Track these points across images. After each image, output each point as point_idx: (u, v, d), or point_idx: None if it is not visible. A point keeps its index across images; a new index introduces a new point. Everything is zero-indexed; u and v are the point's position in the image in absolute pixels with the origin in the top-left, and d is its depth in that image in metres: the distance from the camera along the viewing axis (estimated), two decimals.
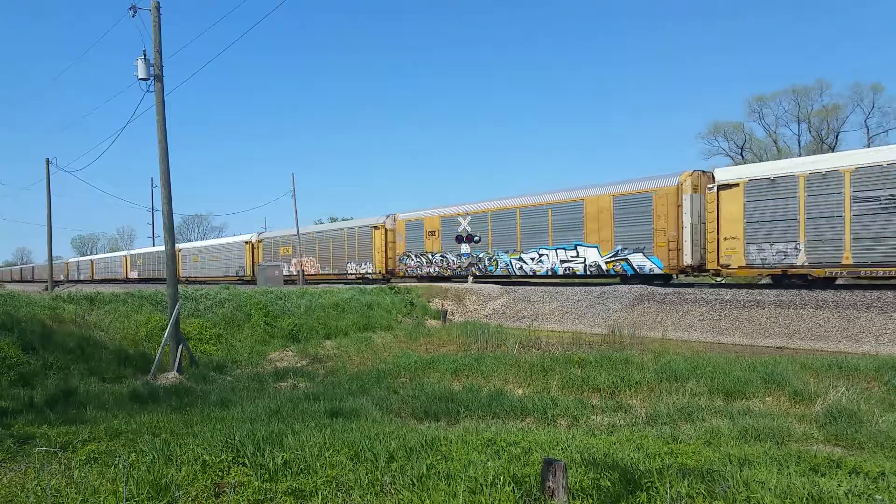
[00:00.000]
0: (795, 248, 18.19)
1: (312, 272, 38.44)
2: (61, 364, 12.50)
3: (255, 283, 37.33)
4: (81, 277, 70.86)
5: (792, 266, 18.36)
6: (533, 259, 25.92)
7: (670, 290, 21.70)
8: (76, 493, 4.60)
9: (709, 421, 7.78)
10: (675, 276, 22.74)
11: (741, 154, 54.17)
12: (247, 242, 44.16)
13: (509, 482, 4.57)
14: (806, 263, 18.11)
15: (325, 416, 8.28)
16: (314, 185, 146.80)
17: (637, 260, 22.34)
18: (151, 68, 14.14)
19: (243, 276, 43.08)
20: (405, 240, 32.17)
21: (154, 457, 5.44)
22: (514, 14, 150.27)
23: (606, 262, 23.23)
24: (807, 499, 4.38)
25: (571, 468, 4.99)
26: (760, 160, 46.97)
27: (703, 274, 22.05)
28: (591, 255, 23.62)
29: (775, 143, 53.95)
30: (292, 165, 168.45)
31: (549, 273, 25.45)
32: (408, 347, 15.87)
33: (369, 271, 34.11)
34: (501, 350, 14.62)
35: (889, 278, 17.82)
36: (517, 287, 26.88)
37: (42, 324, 14.12)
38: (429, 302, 25.72)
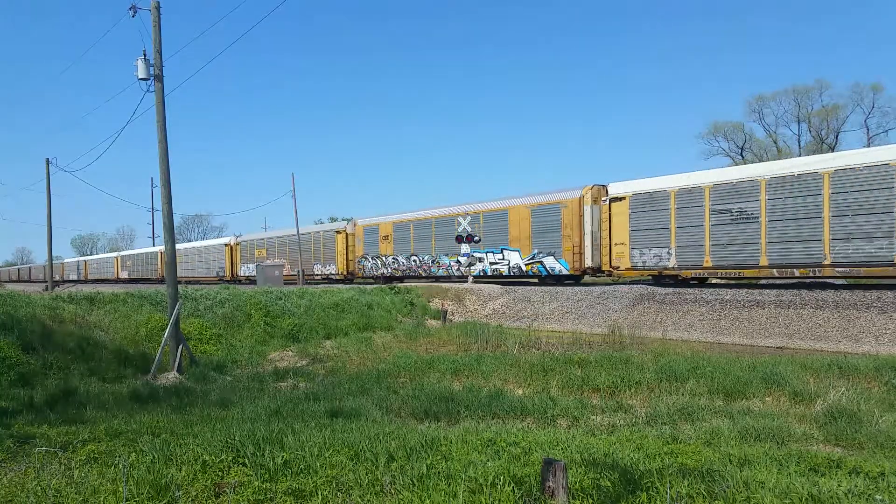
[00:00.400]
0: (668, 252, 21.50)
1: (284, 273, 41.16)
2: (61, 364, 12.50)
3: (235, 282, 42.24)
4: (75, 277, 73.73)
5: (665, 268, 21.69)
6: (467, 261, 29.16)
7: (670, 290, 21.71)
8: (76, 493, 4.60)
9: (709, 421, 7.78)
10: (581, 276, 25.75)
11: (741, 154, 54.19)
12: (226, 245, 47.66)
13: (509, 482, 4.57)
14: (676, 266, 21.34)
15: (325, 416, 8.28)
16: (314, 186, 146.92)
17: (549, 262, 25.41)
18: (151, 68, 14.14)
19: (223, 276, 46.22)
20: (363, 244, 34.94)
21: (154, 457, 5.44)
22: (514, 14, 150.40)
23: (526, 265, 26.16)
24: (807, 499, 4.39)
25: (571, 468, 4.99)
26: (761, 160, 46.99)
27: (601, 275, 25.20)
28: (514, 259, 26.56)
29: (775, 143, 53.98)
30: (292, 165, 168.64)
31: (481, 273, 28.41)
32: (408, 347, 15.87)
33: (333, 272, 37.29)
34: (501, 350, 14.63)
35: (741, 278, 21.07)
36: (517, 287, 26.92)
37: (42, 324, 14.12)
38: (429, 302, 25.73)
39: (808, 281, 19.91)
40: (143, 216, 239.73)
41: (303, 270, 38.09)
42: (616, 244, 22.81)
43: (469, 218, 28.50)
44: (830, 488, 4.57)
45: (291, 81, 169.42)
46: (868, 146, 43.92)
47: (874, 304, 16.36)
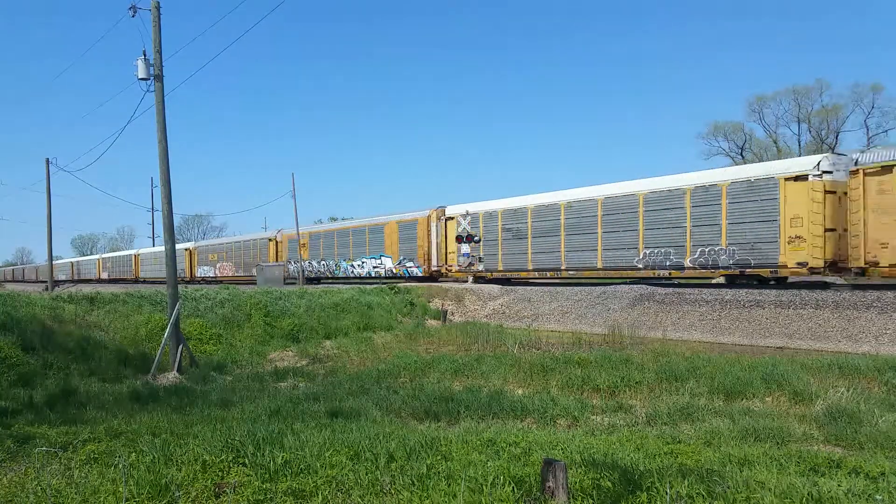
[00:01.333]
0: (478, 258, 28.79)
1: (230, 274, 47.90)
2: (61, 364, 12.50)
3: (193, 282, 49.55)
4: (63, 278, 79.10)
5: (476, 271, 29.13)
6: (359, 265, 35.84)
7: (670, 290, 21.72)
8: (76, 493, 4.60)
9: (709, 421, 7.78)
10: (431, 277, 31.39)
11: (741, 154, 54.20)
12: (186, 250, 55.07)
13: (509, 482, 4.57)
14: (482, 269, 28.73)
15: (325, 416, 8.28)
16: (314, 186, 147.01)
17: (410, 266, 32.11)
18: (151, 68, 14.14)
19: (183, 277, 53.03)
20: (287, 250, 42.08)
21: (154, 457, 5.44)
22: (514, 14, 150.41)
23: (395, 268, 33.00)
24: (807, 499, 4.39)
25: (571, 468, 4.99)
26: (761, 160, 47.04)
27: (443, 277, 31.41)
28: (388, 263, 33.55)
29: (775, 143, 54.00)
30: (292, 165, 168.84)
31: (367, 275, 35.02)
32: (408, 347, 15.87)
33: None
34: (501, 350, 14.63)
35: (518, 277, 27.87)
36: (517, 287, 26.95)
37: (42, 324, 14.12)
38: (429, 302, 25.74)
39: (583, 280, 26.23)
40: (143, 216, 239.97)
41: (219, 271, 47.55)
42: (449, 252, 29.93)
43: (366, 230, 35.76)
44: (830, 488, 4.57)
45: (291, 81, 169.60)
46: (868, 146, 43.98)
47: (874, 304, 16.36)
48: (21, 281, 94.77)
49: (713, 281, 23.28)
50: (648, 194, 22.33)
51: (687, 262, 21.06)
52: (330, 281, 37.62)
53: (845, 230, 17.82)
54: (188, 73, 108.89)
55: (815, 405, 8.47)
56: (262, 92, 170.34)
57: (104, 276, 69.39)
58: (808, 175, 18.14)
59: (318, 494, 4.59)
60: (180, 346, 13.56)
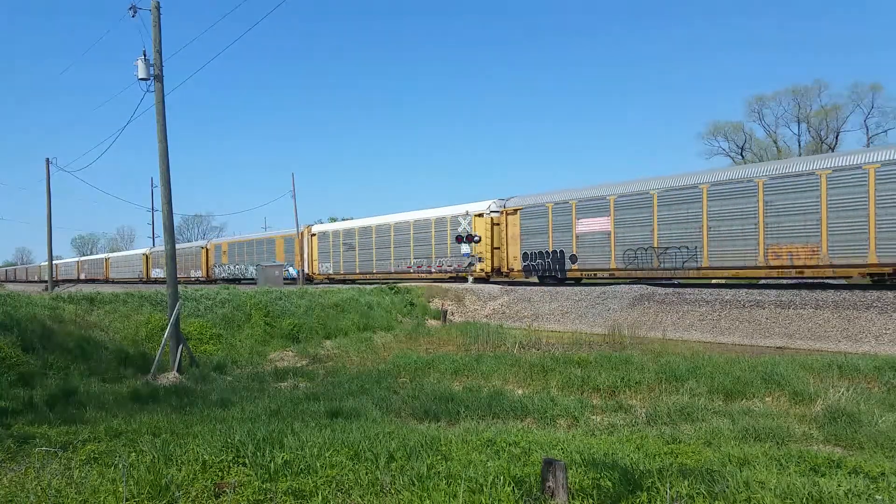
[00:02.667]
0: (335, 264, 38.56)
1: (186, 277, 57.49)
2: (61, 364, 12.50)
3: (150, 282, 56.53)
4: (69, 277, 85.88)
5: (330, 274, 38.78)
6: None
7: (670, 290, 21.71)
8: (76, 493, 4.60)
9: (709, 421, 7.78)
10: (308, 279, 39.91)
11: (741, 154, 54.18)
12: (143, 254, 63.76)
13: (509, 482, 4.57)
14: (336, 272, 38.36)
15: (325, 416, 8.28)
16: (314, 186, 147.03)
17: (293, 270, 41.77)
18: (151, 68, 14.13)
19: (142, 277, 62.61)
20: (215, 256, 51.85)
21: (154, 457, 5.44)
22: (514, 14, 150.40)
23: (290, 270, 42.10)
24: (807, 499, 4.39)
25: (571, 468, 4.99)
26: (761, 160, 47.05)
27: (314, 280, 40.10)
28: (292, 271, 42.21)
29: (775, 143, 53.97)
30: (292, 165, 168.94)
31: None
32: (408, 347, 15.87)
33: (200, 276, 53.46)
34: (501, 350, 14.63)
35: (358, 279, 36.01)
36: (517, 287, 26.94)
37: (42, 324, 14.11)
38: (429, 302, 25.74)
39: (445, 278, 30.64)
40: (143, 216, 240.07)
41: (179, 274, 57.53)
42: (314, 260, 40.37)
43: (265, 242, 46.01)
44: (830, 488, 4.57)
45: (291, 81, 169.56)
46: (868, 146, 43.93)
47: (874, 304, 16.36)
48: (14, 281, 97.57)
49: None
50: (585, 202, 25.14)
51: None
52: (246, 283, 43.88)
53: None
54: (188, 73, 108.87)
55: (815, 405, 8.47)
56: (262, 92, 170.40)
57: (83, 276, 78.30)
58: None
59: (318, 494, 4.59)
60: (180, 346, 13.56)
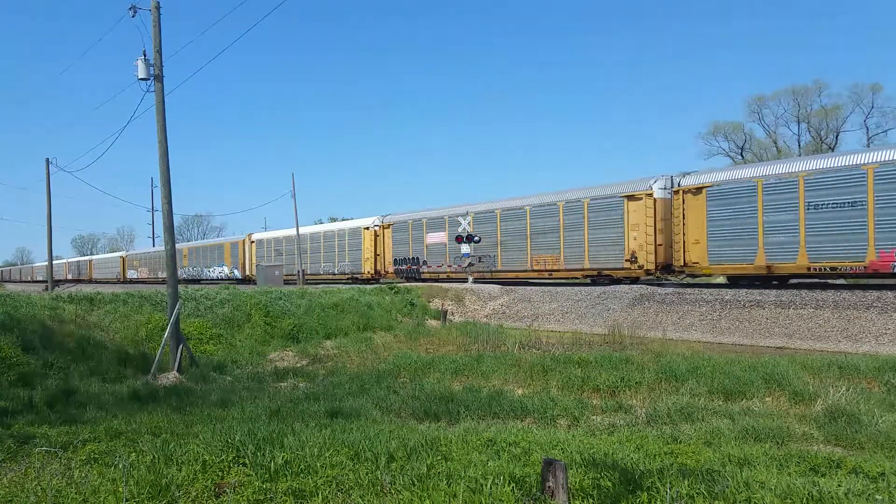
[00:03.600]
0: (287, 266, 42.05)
1: (147, 276, 62.56)
2: (61, 364, 12.49)
3: (127, 282, 62.08)
4: (41, 278, 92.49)
5: (291, 273, 40.36)
6: (216, 272, 51.53)
7: (670, 290, 21.72)
8: (76, 493, 4.60)
9: (709, 421, 7.77)
10: (246, 281, 44.99)
11: (741, 154, 54.20)
12: (121, 257, 71.98)
13: (509, 482, 4.57)
14: (307, 270, 41.14)
15: (325, 416, 8.28)
16: (314, 186, 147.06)
17: (238, 272, 47.86)
18: (151, 68, 14.13)
19: (119, 277, 68.81)
20: (177, 259, 52.52)
21: (154, 457, 5.44)
22: (514, 14, 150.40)
23: (228, 273, 48.92)
24: (807, 499, 4.39)
25: (571, 468, 4.99)
26: (760, 160, 47.05)
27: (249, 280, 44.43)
28: (225, 270, 49.29)
29: (775, 143, 54.00)
30: (292, 165, 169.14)
31: (219, 278, 49.92)
32: (408, 347, 15.86)
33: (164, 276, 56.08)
34: (501, 350, 14.62)
35: (321, 281, 38.58)
36: (517, 287, 26.96)
37: (42, 324, 14.11)
38: (429, 302, 25.73)
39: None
40: (143, 216, 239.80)
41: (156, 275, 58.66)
42: (253, 263, 44.96)
43: (216, 248, 52.92)
44: (830, 488, 4.57)
45: (292, 81, 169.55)
46: (868, 145, 43.93)
47: (874, 304, 16.36)
48: (8, 281, 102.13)
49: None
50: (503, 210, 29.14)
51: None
52: (206, 282, 50.02)
53: None
54: (188, 73, 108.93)
55: (815, 405, 8.47)
56: (262, 92, 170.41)
57: (69, 276, 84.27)
58: None
59: (318, 494, 4.59)
60: (180, 346, 13.56)
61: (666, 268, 22.94)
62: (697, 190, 21.29)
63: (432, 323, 22.81)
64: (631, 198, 23.26)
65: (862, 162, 17.83)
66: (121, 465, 4.93)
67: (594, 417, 8.55)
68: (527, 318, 23.18)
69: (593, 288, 24.13)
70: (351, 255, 37.62)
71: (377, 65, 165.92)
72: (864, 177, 17.53)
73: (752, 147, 54.40)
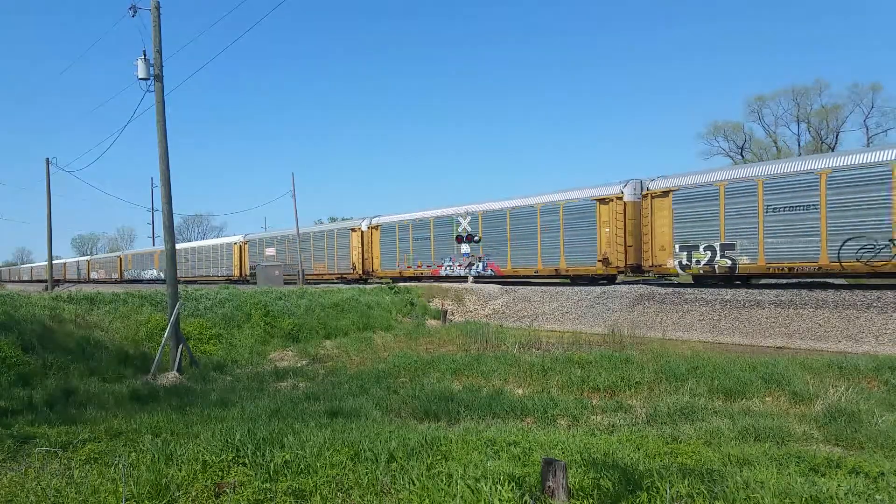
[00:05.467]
0: (189, 269, 53.43)
1: (105, 277, 69.73)
2: (61, 364, 12.49)
3: (90, 282, 67.76)
4: (27, 278, 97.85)
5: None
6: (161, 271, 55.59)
7: (670, 290, 21.72)
8: (76, 493, 4.60)
9: (709, 421, 7.77)
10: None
11: (741, 154, 54.18)
12: (87, 260, 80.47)
13: (509, 482, 4.57)
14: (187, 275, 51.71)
15: (325, 415, 8.28)
16: (314, 185, 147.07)
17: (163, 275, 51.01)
18: (151, 68, 14.13)
19: (86, 278, 74.84)
20: (123, 263, 67.07)
21: (154, 457, 5.44)
22: (514, 14, 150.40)
23: (163, 275, 49.26)
24: (807, 499, 4.39)
25: (571, 468, 4.99)
26: (760, 160, 47.07)
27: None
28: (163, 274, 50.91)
29: (775, 143, 53.98)
30: (292, 165, 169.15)
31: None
32: (408, 347, 15.85)
33: (116, 277, 67.19)
34: (501, 350, 14.61)
35: (194, 281, 47.60)
36: (517, 287, 26.95)
37: (42, 324, 14.11)
38: (429, 302, 25.73)
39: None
40: (143, 216, 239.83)
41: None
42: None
43: (150, 255, 60.27)
44: (830, 488, 4.57)
45: (292, 81, 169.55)
46: (868, 145, 43.94)
47: (874, 304, 16.36)
48: (6, 281, 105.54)
49: None
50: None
51: None
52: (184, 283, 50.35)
53: None
54: (188, 73, 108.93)
55: (815, 405, 8.46)
56: (262, 92, 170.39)
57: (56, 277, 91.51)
58: None
59: (317, 494, 4.59)
60: (180, 346, 13.56)
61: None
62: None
63: (432, 323, 22.80)
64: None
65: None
66: (121, 465, 4.93)
67: (594, 417, 8.55)
68: (527, 317, 23.17)
69: (593, 288, 24.14)
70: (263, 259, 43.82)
71: (377, 65, 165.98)
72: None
73: (752, 147, 54.39)
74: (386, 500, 4.52)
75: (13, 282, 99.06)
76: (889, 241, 17.04)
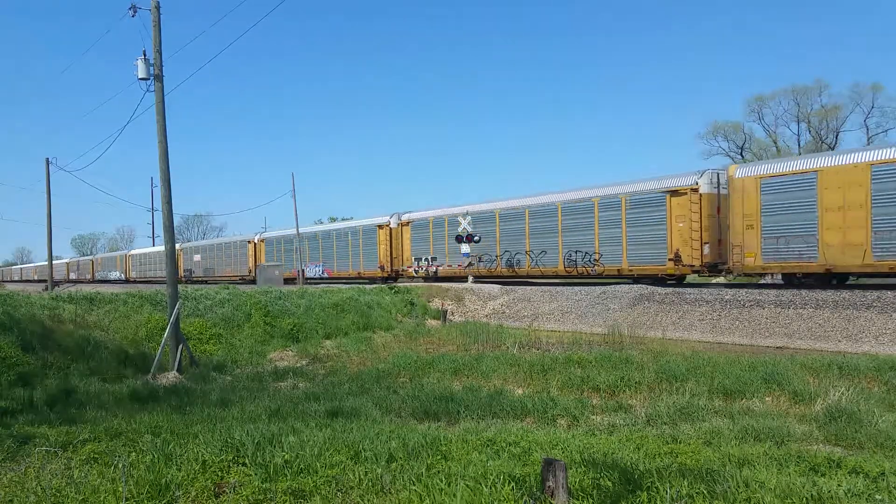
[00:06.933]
0: (142, 271, 62.50)
1: (80, 277, 75.87)
2: (61, 364, 12.50)
3: (69, 282, 71.02)
4: (17, 278, 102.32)
5: (192, 274, 54.34)
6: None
7: (670, 290, 21.73)
8: (76, 493, 4.60)
9: (709, 421, 7.78)
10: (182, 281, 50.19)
11: (741, 154, 54.18)
12: (65, 263, 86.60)
13: (509, 482, 4.57)
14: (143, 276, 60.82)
15: (325, 415, 8.28)
16: (315, 185, 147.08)
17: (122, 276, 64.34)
18: (151, 68, 14.13)
19: (65, 278, 79.08)
20: (137, 263, 69.02)
21: (154, 457, 5.44)
22: (514, 14, 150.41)
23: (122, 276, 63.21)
24: (807, 499, 4.39)
25: (571, 468, 4.99)
26: (760, 160, 47.07)
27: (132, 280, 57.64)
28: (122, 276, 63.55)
29: (775, 143, 53.97)
30: (292, 165, 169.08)
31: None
32: (408, 347, 15.86)
33: (118, 276, 70.35)
34: (501, 350, 14.62)
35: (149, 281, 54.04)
36: (517, 287, 26.94)
37: (42, 324, 14.11)
38: (429, 302, 25.73)
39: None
40: (143, 216, 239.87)
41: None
42: (129, 269, 62.00)
43: (113, 259, 70.75)
44: (830, 488, 4.57)
45: (291, 81, 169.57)
46: (868, 144, 43.93)
47: (874, 304, 16.36)
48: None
49: None
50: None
51: None
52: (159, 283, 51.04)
53: None
54: (188, 73, 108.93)
55: (815, 405, 8.47)
56: (262, 92, 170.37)
57: (36, 278, 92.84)
58: None
59: (317, 494, 4.59)
60: (180, 346, 13.56)
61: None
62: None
63: (432, 323, 22.81)
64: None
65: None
66: (120, 465, 4.93)
67: (594, 417, 8.55)
68: (527, 317, 23.18)
69: (593, 288, 24.13)
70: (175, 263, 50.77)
71: (377, 65, 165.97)
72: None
73: (752, 147, 54.39)
74: (386, 500, 4.52)
75: (5, 282, 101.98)
76: None
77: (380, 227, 35.11)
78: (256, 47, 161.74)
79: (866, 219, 17.48)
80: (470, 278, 29.29)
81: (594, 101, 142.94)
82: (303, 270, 39.11)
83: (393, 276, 34.69)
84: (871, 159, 17.64)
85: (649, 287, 22.59)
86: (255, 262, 46.21)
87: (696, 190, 21.76)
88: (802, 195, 18.84)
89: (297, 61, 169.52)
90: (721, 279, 24.20)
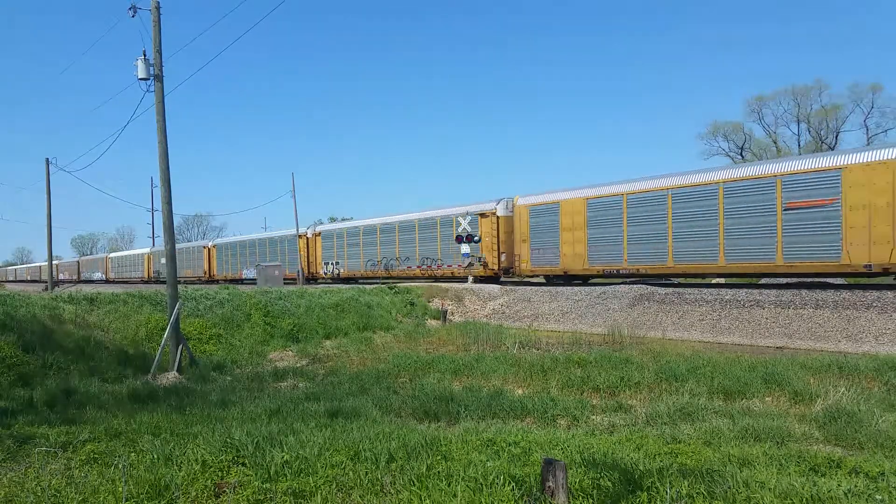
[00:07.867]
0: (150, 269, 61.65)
1: (69, 277, 78.24)
2: (61, 364, 12.49)
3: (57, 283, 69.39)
4: (12, 279, 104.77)
5: (159, 273, 53.53)
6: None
7: (670, 290, 21.72)
8: (76, 493, 4.60)
9: (709, 421, 7.77)
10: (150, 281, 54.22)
11: (741, 154, 54.18)
12: (56, 264, 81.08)
13: (509, 482, 4.57)
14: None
15: (325, 416, 8.27)
16: (314, 185, 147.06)
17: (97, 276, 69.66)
18: (151, 68, 14.13)
19: (55, 278, 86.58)
20: (116, 265, 72.10)
21: (154, 457, 5.44)
22: (514, 14, 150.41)
23: (96, 276, 68.39)
24: (807, 499, 4.39)
25: (571, 468, 4.99)
26: (760, 160, 47.07)
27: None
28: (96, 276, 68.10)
29: (775, 143, 53.95)
30: (292, 165, 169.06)
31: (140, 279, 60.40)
32: (408, 347, 15.86)
33: (99, 277, 72.85)
34: (501, 350, 14.62)
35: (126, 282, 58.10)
36: (517, 287, 26.96)
37: (42, 324, 14.11)
38: (429, 302, 25.73)
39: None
40: (143, 216, 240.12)
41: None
42: (109, 270, 66.07)
43: (84, 263, 76.82)
44: (830, 488, 4.57)
45: (291, 81, 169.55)
46: (868, 144, 43.90)
47: (874, 304, 16.35)
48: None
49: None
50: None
51: None
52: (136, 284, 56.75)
53: None
54: (188, 73, 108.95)
55: (815, 405, 8.47)
56: (262, 92, 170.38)
57: (29, 277, 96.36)
58: None
59: (317, 494, 4.59)
60: (180, 346, 13.56)
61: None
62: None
63: (432, 323, 22.81)
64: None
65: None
66: (120, 465, 4.93)
67: (594, 417, 8.55)
68: (527, 317, 23.17)
69: (593, 288, 24.14)
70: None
71: (378, 65, 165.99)
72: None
73: (752, 147, 54.37)
74: (386, 500, 4.52)
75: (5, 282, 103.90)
76: None
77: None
78: (256, 47, 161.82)
79: (584, 237, 24.35)
80: (470, 278, 29.33)
81: (594, 102, 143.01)
82: (302, 270, 39.28)
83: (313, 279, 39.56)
84: (586, 195, 24.43)
85: (649, 287, 22.59)
86: (209, 265, 54.69)
87: (495, 213, 28.57)
88: (552, 219, 25.67)
89: (297, 61, 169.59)
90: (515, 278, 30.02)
